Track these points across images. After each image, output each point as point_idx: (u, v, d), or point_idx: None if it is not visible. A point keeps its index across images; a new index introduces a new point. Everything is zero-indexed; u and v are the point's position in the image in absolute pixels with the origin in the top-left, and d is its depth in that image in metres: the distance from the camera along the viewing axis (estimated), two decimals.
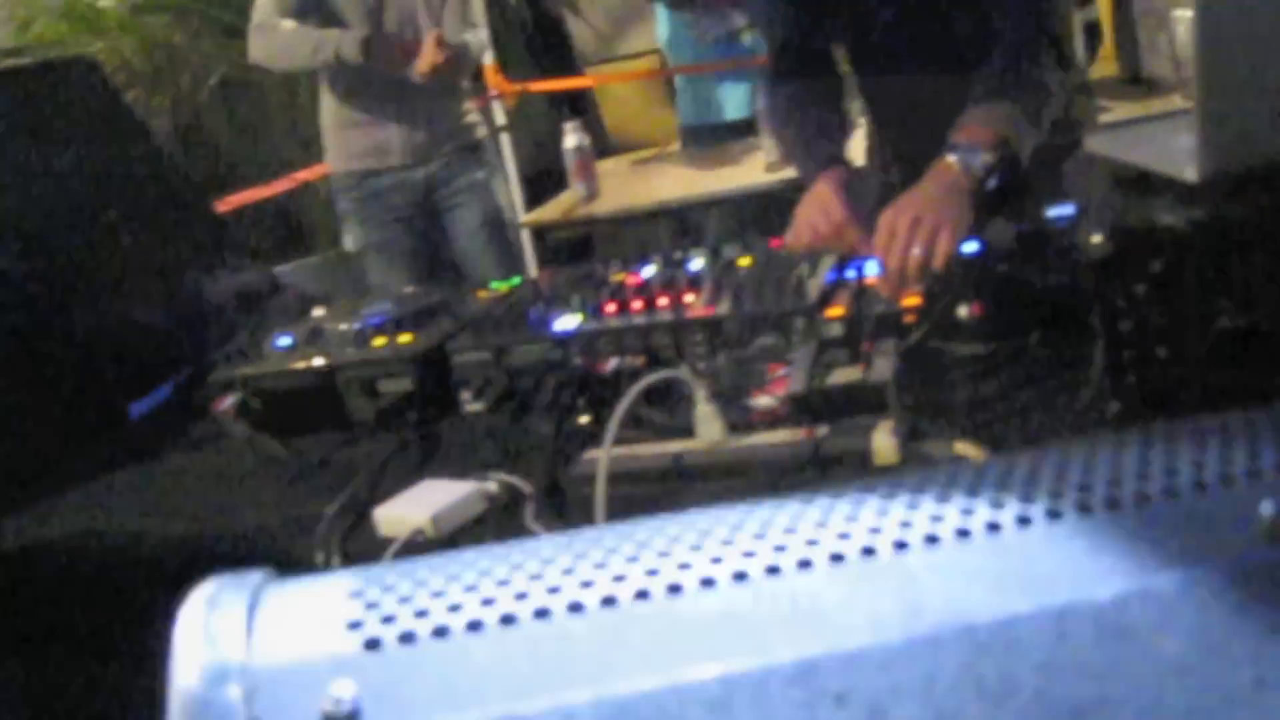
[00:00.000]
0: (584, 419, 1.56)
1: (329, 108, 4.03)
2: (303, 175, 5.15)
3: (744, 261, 1.79)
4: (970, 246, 1.68)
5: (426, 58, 3.68)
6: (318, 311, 2.05)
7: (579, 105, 5.87)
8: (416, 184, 4.03)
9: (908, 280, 1.61)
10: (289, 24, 3.85)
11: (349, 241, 4.19)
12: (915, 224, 1.67)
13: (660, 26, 4.56)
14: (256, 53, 3.98)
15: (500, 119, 5.21)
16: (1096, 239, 1.17)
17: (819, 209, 1.82)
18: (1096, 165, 1.41)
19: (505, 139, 5.29)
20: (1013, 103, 1.85)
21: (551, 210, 3.94)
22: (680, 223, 4.47)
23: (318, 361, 1.81)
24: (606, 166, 4.43)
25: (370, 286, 4.16)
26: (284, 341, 1.91)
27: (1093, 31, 4.26)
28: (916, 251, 1.64)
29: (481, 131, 4.18)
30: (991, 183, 1.78)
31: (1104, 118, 3.34)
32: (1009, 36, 1.94)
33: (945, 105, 1.90)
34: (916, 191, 1.75)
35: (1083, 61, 2.17)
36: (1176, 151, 1.25)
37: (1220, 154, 1.20)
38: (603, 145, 5.28)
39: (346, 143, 4.02)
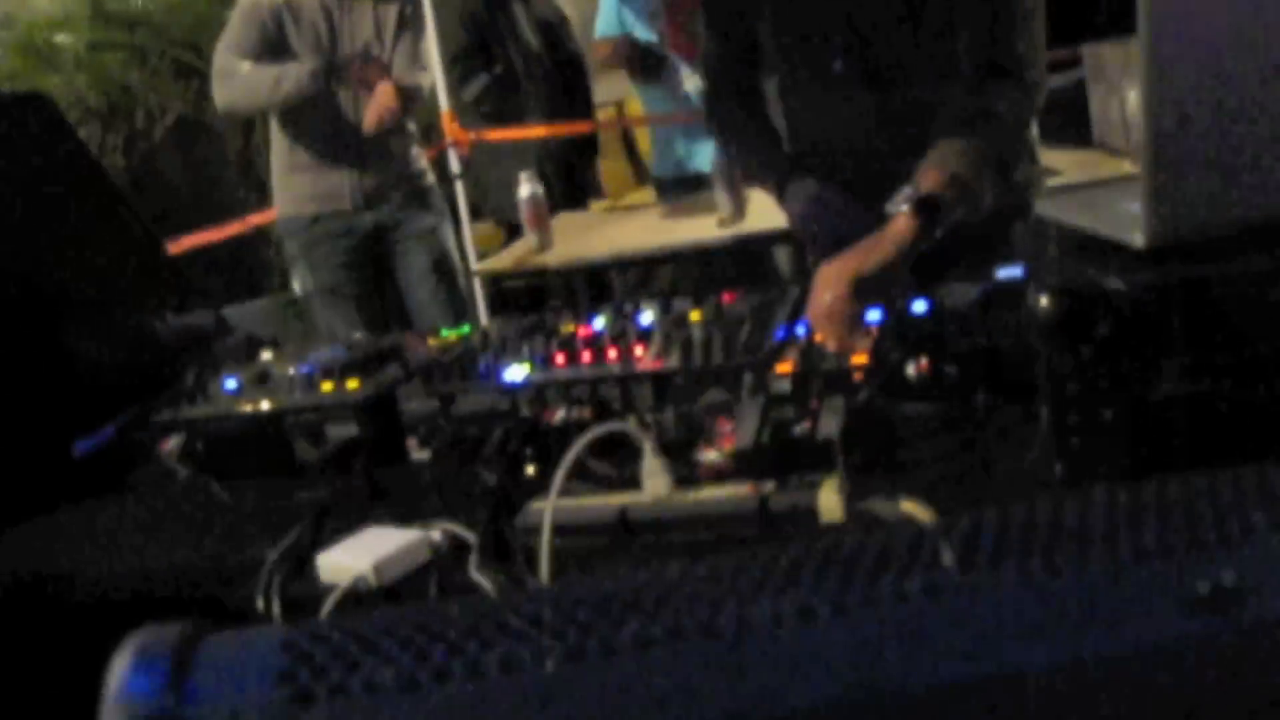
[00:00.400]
0: (531, 469, 1.56)
1: (279, 151, 4.04)
2: (254, 219, 5.14)
3: (694, 316, 1.79)
4: (920, 305, 1.69)
5: (375, 110, 3.71)
6: (266, 355, 2.03)
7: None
8: (365, 229, 4.05)
9: (843, 346, 1.63)
10: (246, 65, 3.86)
11: (297, 285, 4.19)
12: (850, 280, 1.71)
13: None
14: (221, 99, 4.03)
15: (455, 167, 5.24)
16: (1043, 301, 1.18)
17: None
18: (1046, 228, 1.42)
19: (460, 186, 5.31)
20: (971, 142, 1.88)
21: (504, 259, 3.94)
22: (638, 274, 4.50)
23: (264, 405, 1.79)
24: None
25: (319, 330, 4.16)
26: (231, 384, 1.89)
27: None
28: (854, 308, 1.68)
29: (429, 179, 4.21)
30: (938, 232, 1.81)
31: (1056, 180, 3.39)
32: (971, 74, 1.96)
33: (884, 168, 1.94)
34: (855, 248, 1.78)
35: (1033, 133, 2.19)
36: (1124, 218, 1.26)
37: (1167, 221, 1.21)
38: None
39: (296, 186, 4.04)
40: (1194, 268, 1.19)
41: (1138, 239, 1.23)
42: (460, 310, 4.22)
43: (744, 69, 2.19)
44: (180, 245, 4.69)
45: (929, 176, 1.83)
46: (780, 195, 2.02)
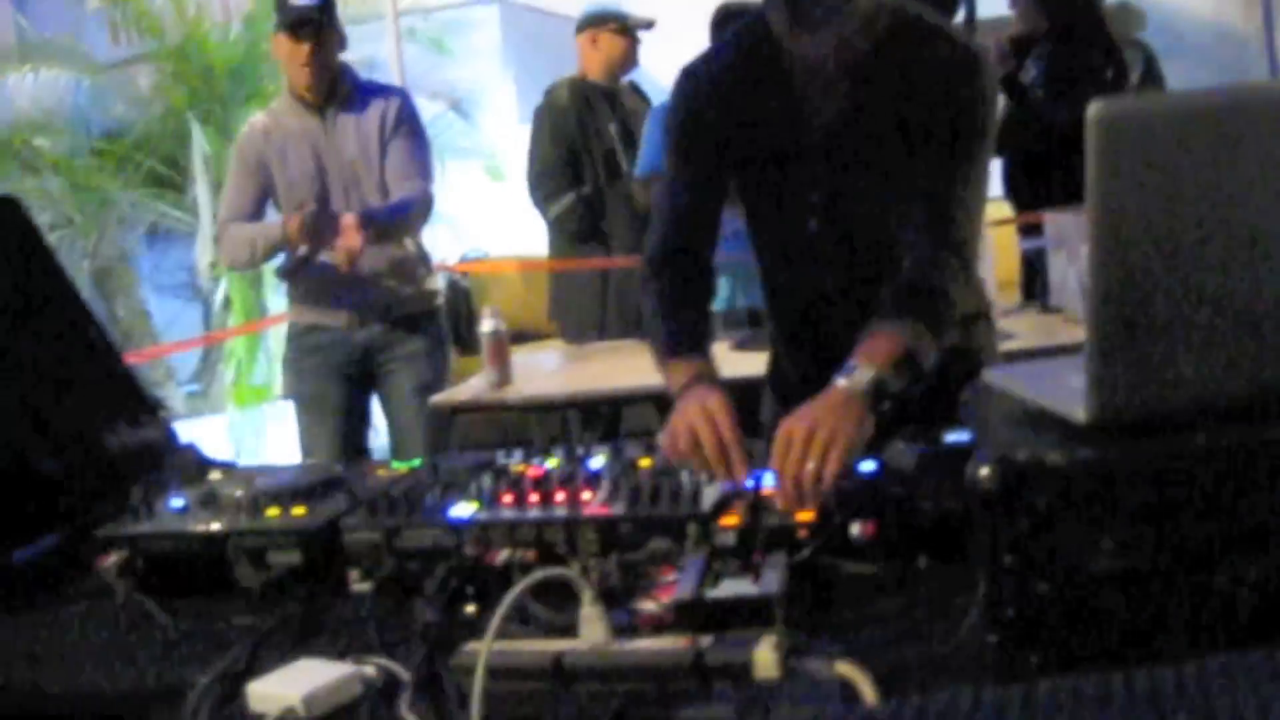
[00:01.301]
0: (470, 609, 1.55)
1: (285, 264, 4.09)
2: (217, 335, 5.15)
3: (644, 462, 1.80)
4: (868, 466, 1.71)
5: (343, 246, 3.72)
6: (214, 475, 2.03)
7: None
8: (356, 347, 4.10)
9: (802, 495, 1.63)
10: (237, 225, 4.04)
11: (282, 389, 4.24)
12: (810, 437, 1.69)
13: None
14: (221, 258, 4.17)
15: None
16: (983, 472, 1.19)
17: (706, 422, 1.74)
18: (993, 397, 1.44)
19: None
20: (916, 317, 1.93)
21: (463, 392, 3.96)
22: (596, 415, 4.50)
23: (208, 527, 1.78)
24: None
25: (298, 438, 4.18)
26: (177, 503, 1.89)
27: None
28: (811, 466, 1.65)
29: (430, 301, 4.23)
30: (886, 404, 1.82)
31: (1012, 344, 3.45)
32: (916, 250, 2.02)
33: (853, 322, 1.96)
34: (814, 405, 1.77)
35: (988, 290, 2.24)
36: (1070, 390, 1.28)
37: (1109, 398, 1.23)
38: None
39: (296, 295, 4.16)
40: (1134, 445, 1.21)
41: (1080, 414, 1.25)
42: (440, 437, 4.22)
43: (705, 215, 2.20)
44: (141, 356, 4.69)
45: (879, 350, 1.86)
46: (674, 389, 1.97)
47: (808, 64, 2.07)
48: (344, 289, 4.01)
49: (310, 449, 4.12)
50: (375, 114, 4.04)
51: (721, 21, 3.88)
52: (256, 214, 4.07)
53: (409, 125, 4.10)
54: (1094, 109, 1.15)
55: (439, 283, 4.31)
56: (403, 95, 4.19)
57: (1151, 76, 5.33)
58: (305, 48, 3.94)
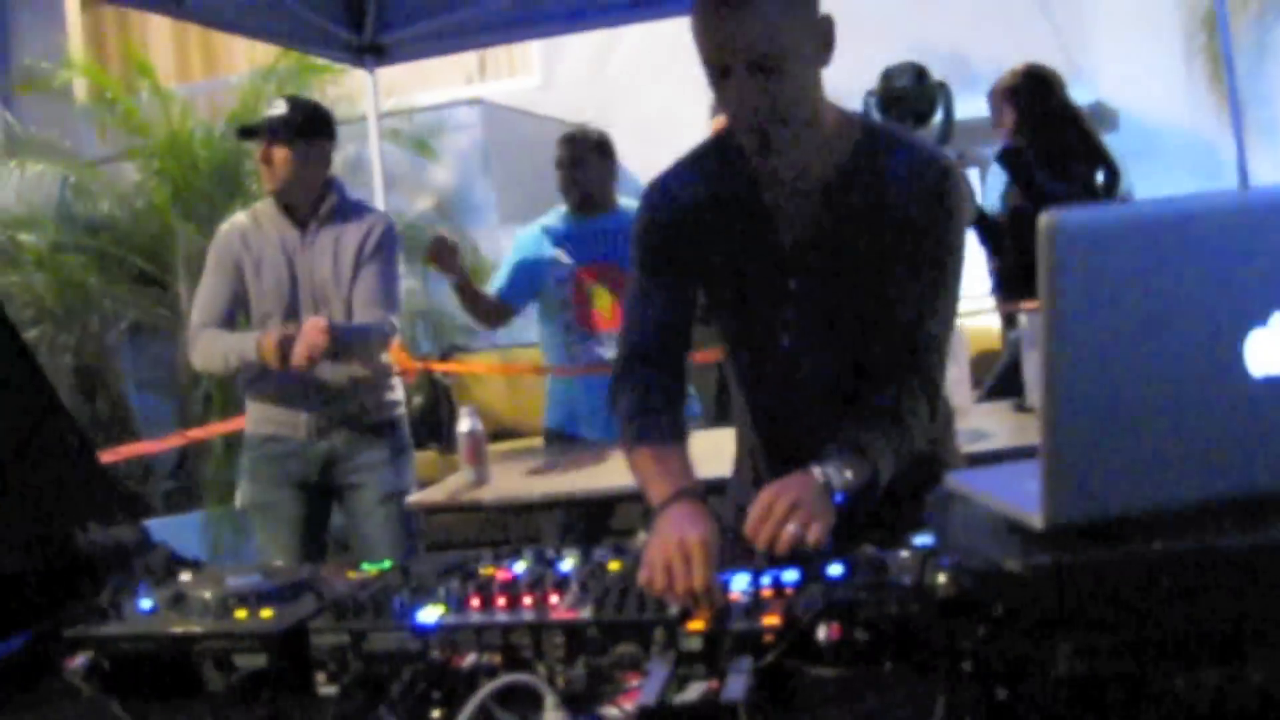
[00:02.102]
0: (437, 714, 1.55)
1: (248, 372, 4.05)
2: (195, 433, 5.15)
3: (614, 566, 1.81)
4: (835, 570, 1.71)
5: (302, 344, 3.71)
6: (184, 576, 2.02)
7: None
8: (317, 457, 4.05)
9: (775, 553, 1.73)
10: (210, 333, 3.98)
11: (239, 498, 4.18)
12: (793, 506, 1.80)
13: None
14: (193, 360, 4.14)
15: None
16: (941, 579, 1.20)
17: (682, 563, 1.70)
18: (954, 502, 1.46)
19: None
20: (883, 437, 1.99)
21: (438, 493, 3.95)
22: (582, 515, 4.49)
23: (174, 629, 1.78)
24: None
25: (255, 548, 4.14)
26: (145, 604, 1.88)
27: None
28: (792, 529, 1.76)
29: (391, 410, 4.21)
30: (839, 498, 1.89)
31: (985, 445, 3.46)
32: (887, 377, 2.06)
33: (830, 430, 1.99)
34: (795, 481, 1.87)
35: (949, 401, 2.27)
36: (1027, 496, 1.30)
37: (1064, 505, 1.25)
38: None
39: (254, 407, 4.10)
40: (1090, 550, 1.22)
41: (1036, 520, 1.26)
42: (405, 543, 4.19)
43: (675, 323, 2.21)
44: (118, 454, 4.67)
45: (849, 459, 1.94)
46: (654, 503, 1.97)
47: (777, 180, 2.10)
48: (304, 398, 4.00)
49: (268, 559, 4.06)
50: (355, 235, 4.02)
51: None
52: (230, 317, 4.04)
53: (386, 253, 4.08)
54: (1045, 218, 1.17)
55: (399, 393, 4.27)
56: (386, 222, 4.16)
57: (1111, 180, 5.39)
58: (280, 153, 3.94)
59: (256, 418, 4.11)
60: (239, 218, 4.14)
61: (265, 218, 4.06)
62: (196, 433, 5.12)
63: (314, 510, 4.12)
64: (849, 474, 1.91)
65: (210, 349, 3.99)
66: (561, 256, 4.65)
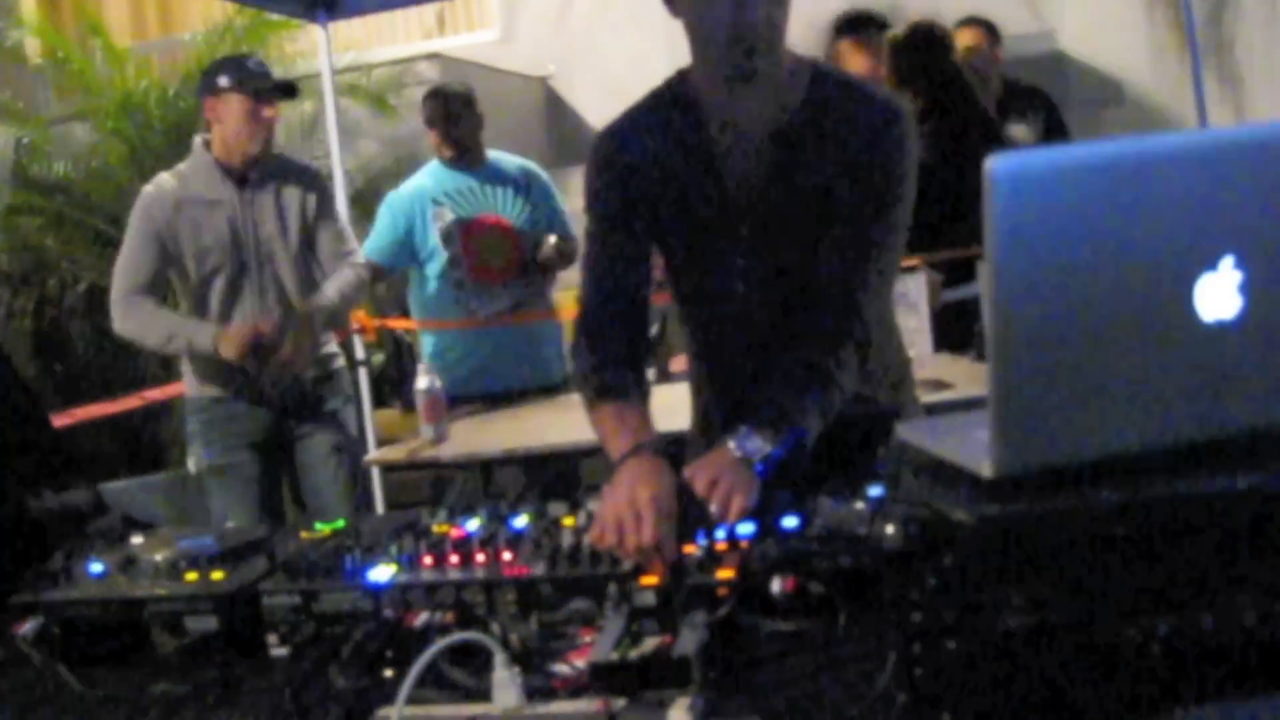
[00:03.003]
0: (388, 672, 1.54)
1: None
2: (153, 394, 5.10)
3: (568, 521, 1.79)
4: (791, 521, 1.70)
5: (293, 355, 3.86)
6: (136, 539, 2.00)
7: None
8: (264, 416, 4.02)
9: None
10: (148, 306, 3.94)
11: (192, 463, 4.14)
12: (712, 485, 1.80)
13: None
14: (119, 326, 4.04)
15: (360, 353, 5.25)
16: (889, 530, 1.19)
17: (633, 520, 1.69)
18: (906, 453, 1.44)
19: (363, 372, 5.32)
20: (808, 396, 2.00)
21: (397, 450, 3.93)
22: (543, 470, 4.48)
23: (125, 593, 1.76)
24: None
25: (212, 510, 4.11)
26: (96, 568, 1.86)
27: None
28: (714, 508, 1.76)
29: (339, 363, 4.21)
30: (760, 467, 1.89)
31: (945, 395, 3.46)
32: (820, 329, 2.06)
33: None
34: (711, 460, 1.89)
35: (905, 351, 2.26)
36: (978, 445, 1.29)
37: (1013, 453, 1.24)
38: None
39: (200, 369, 4.06)
40: (1039, 499, 1.21)
41: (986, 469, 1.25)
42: (357, 497, 4.19)
43: (631, 272, 2.18)
44: (74, 416, 4.63)
45: (771, 419, 1.96)
46: (613, 456, 1.98)
47: (729, 125, 2.09)
48: (256, 378, 4.01)
49: (229, 521, 4.05)
50: (294, 195, 4.04)
51: None
52: (158, 283, 3.99)
53: (331, 205, 4.20)
54: (990, 162, 1.15)
55: (333, 345, 4.27)
56: (321, 178, 4.24)
57: (1053, 125, 5.35)
58: (270, 112, 3.96)
59: (203, 377, 4.07)
60: (164, 179, 4.06)
61: (196, 178, 4.00)
62: (153, 393, 5.08)
63: (268, 467, 4.11)
64: (762, 443, 1.91)
65: (149, 324, 3.96)
66: (444, 214, 4.67)
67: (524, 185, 4.80)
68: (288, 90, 4.06)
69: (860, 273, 2.06)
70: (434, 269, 4.70)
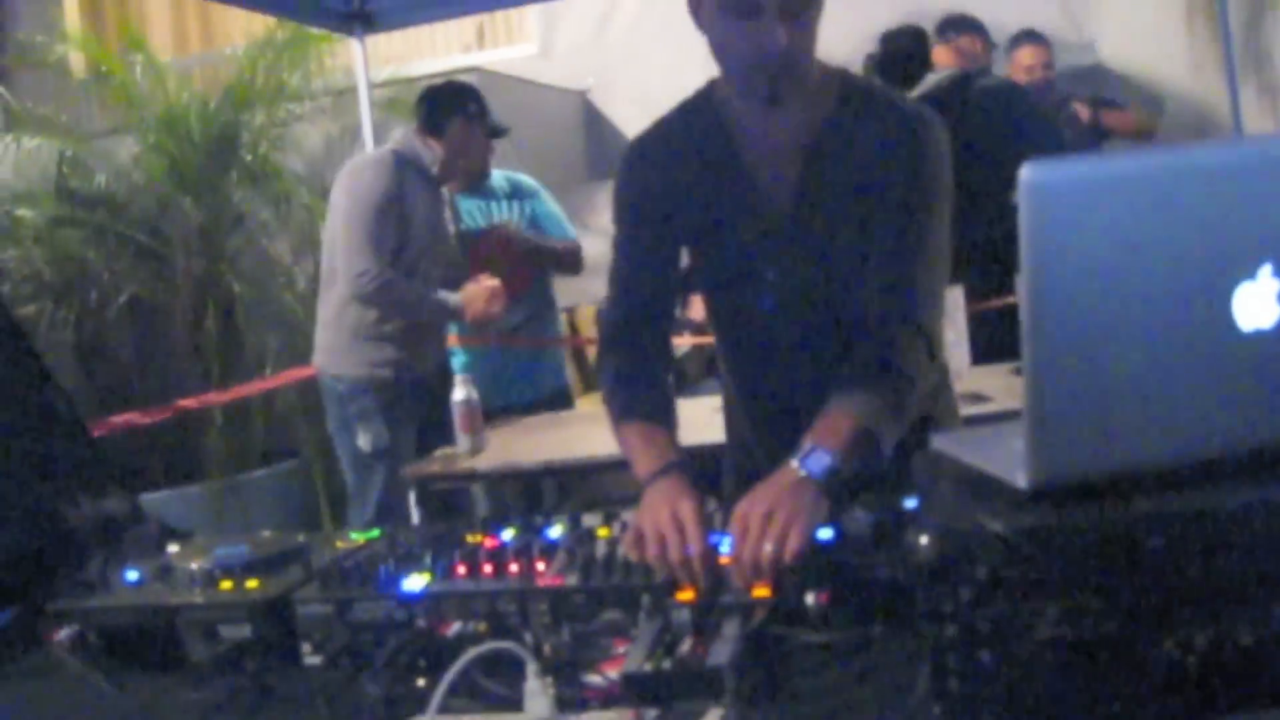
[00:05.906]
0: (421, 681, 1.54)
1: (351, 318, 4.27)
2: (188, 404, 5.12)
3: (603, 532, 1.79)
4: (825, 534, 1.69)
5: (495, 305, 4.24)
6: (172, 548, 2.02)
7: None
8: (429, 393, 4.30)
9: (760, 573, 1.63)
10: (403, 285, 4.17)
11: (365, 442, 4.27)
12: (768, 518, 1.67)
13: None
14: (370, 299, 4.19)
15: None
16: (923, 541, 1.18)
17: (675, 532, 1.69)
18: (940, 463, 1.43)
19: None
20: (877, 395, 1.90)
21: (434, 463, 3.93)
22: (566, 484, 4.48)
23: (159, 601, 1.77)
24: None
25: (243, 521, 4.16)
26: (132, 576, 1.88)
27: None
28: (769, 547, 1.64)
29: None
30: (832, 482, 1.78)
31: (986, 407, 3.44)
32: (877, 327, 2.00)
33: (815, 392, 1.95)
34: (769, 485, 1.76)
35: (943, 359, 2.22)
36: (1013, 456, 1.28)
37: (1048, 465, 1.23)
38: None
39: (375, 351, 4.28)
40: (1075, 511, 1.20)
41: (1021, 480, 1.24)
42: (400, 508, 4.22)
43: (658, 285, 2.18)
44: (112, 426, 4.66)
45: (835, 429, 1.84)
46: (641, 476, 1.94)
47: (758, 138, 2.08)
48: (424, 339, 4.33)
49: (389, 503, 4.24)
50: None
51: None
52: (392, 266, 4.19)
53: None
54: (1025, 171, 1.15)
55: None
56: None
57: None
58: (488, 145, 4.53)
59: (383, 359, 4.27)
60: (386, 166, 4.28)
61: (404, 175, 4.27)
62: (189, 403, 5.10)
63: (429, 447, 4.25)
64: (828, 459, 1.79)
65: (408, 301, 4.23)
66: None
67: (509, 193, 4.85)
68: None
69: (909, 266, 2.02)
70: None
